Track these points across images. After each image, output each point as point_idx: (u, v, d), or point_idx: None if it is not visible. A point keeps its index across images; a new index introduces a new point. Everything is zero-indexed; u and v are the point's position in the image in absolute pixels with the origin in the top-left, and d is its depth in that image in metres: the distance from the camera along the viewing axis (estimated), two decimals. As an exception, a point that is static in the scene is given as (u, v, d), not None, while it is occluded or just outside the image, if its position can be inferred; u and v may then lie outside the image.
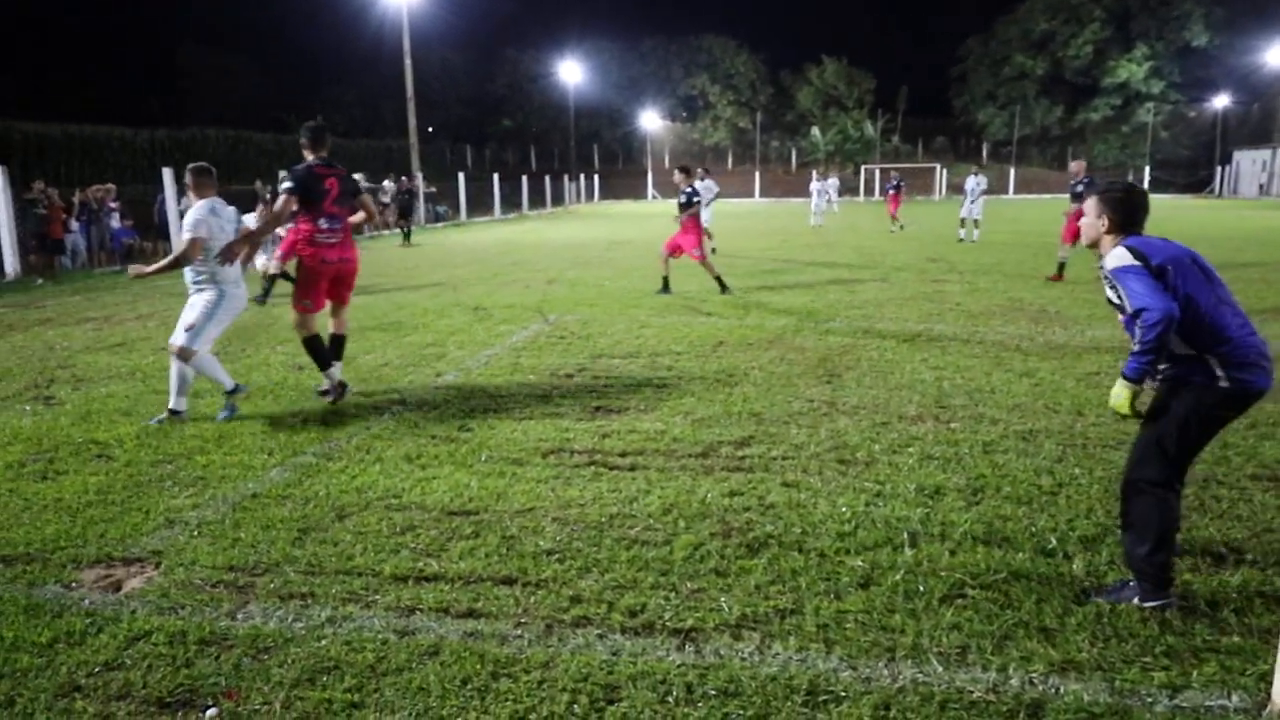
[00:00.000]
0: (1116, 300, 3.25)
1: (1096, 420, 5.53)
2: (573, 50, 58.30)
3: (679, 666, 2.92)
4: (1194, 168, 56.58)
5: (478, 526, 4.06)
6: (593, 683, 2.83)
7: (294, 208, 5.92)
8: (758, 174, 60.74)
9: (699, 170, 16.82)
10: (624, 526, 4.05)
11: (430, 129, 56.70)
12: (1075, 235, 12.54)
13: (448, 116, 61.42)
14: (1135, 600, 3.22)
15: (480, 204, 37.42)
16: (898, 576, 3.49)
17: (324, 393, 6.35)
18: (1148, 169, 55.60)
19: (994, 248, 18.44)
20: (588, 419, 5.81)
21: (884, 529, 3.95)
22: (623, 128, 69.57)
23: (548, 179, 44.82)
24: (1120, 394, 3.16)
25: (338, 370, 6.33)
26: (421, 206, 32.21)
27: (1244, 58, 54.89)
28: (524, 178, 42.51)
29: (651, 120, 67.93)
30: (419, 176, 32.53)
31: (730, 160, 69.32)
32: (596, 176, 54.46)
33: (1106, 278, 3.25)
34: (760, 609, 3.27)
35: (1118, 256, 3.20)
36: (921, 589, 3.40)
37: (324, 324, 6.33)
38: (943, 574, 3.51)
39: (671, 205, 12.84)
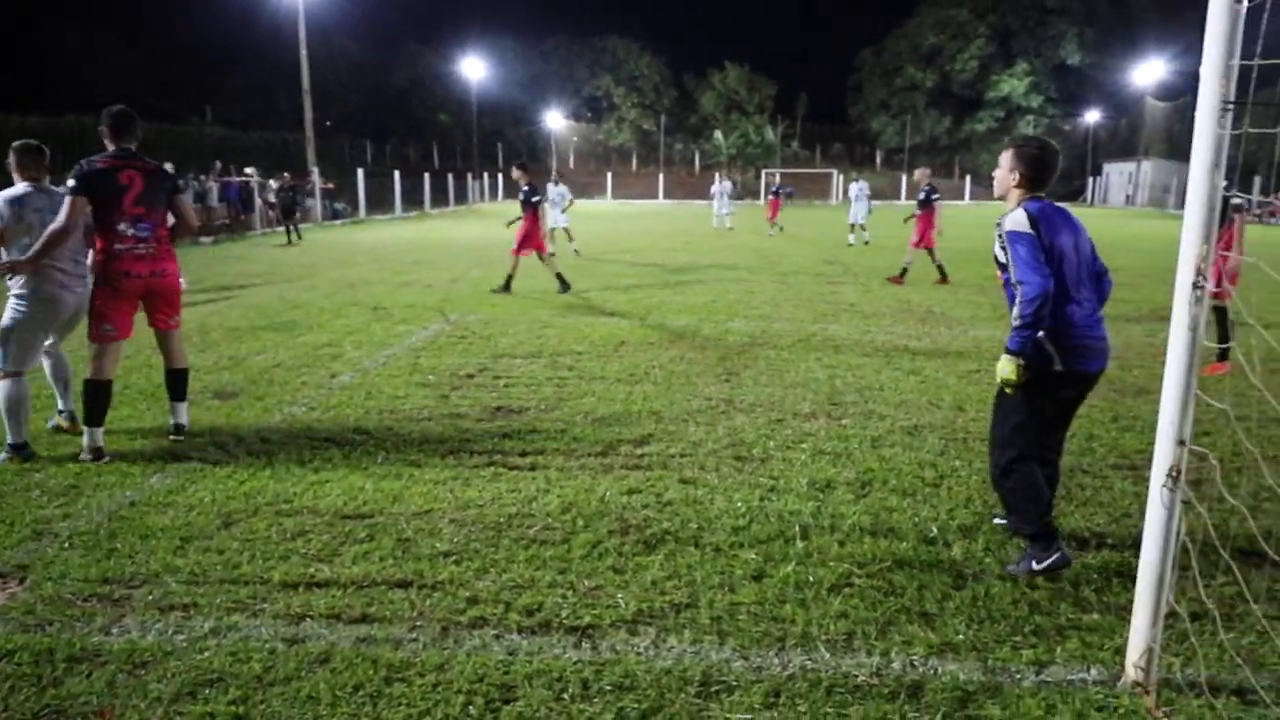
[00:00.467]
0: (1002, 260, 3.48)
1: (976, 415, 5.83)
2: (475, 46, 57.52)
3: (575, 664, 2.93)
4: (1069, 178, 60.02)
5: (372, 530, 3.98)
6: (489, 683, 2.82)
7: (87, 210, 4.82)
8: (661, 176, 61.30)
9: (554, 174, 17.48)
10: (523, 526, 4.04)
11: (329, 123, 54.91)
12: (923, 240, 13.17)
13: (347, 110, 59.57)
14: (1033, 564, 3.48)
15: (381, 201, 36.49)
16: (789, 568, 3.60)
17: (58, 429, 5.39)
18: (1028, 178, 58.66)
19: (887, 251, 19.13)
20: (488, 419, 5.76)
21: (777, 523, 4.07)
22: (526, 126, 69.08)
23: (451, 177, 44.07)
24: (1006, 367, 3.41)
25: (99, 435, 4.96)
26: (318, 203, 31.20)
27: (1112, 76, 58.71)
28: (426, 175, 41.64)
29: (556, 120, 67.69)
30: (315, 172, 31.50)
31: (634, 161, 69.74)
32: (500, 175, 53.85)
33: (1000, 236, 3.47)
34: (656, 604, 3.33)
35: (1016, 220, 3.43)
36: (811, 579, 3.51)
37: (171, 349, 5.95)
38: (832, 564, 3.64)
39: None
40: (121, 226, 4.93)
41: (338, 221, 31.56)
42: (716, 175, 38.01)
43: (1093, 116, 61.25)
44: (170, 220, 5.26)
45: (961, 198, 57.24)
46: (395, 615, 3.24)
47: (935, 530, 3.97)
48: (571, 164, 66.49)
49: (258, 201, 27.47)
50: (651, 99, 71.44)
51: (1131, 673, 2.83)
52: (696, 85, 71.11)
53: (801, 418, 5.78)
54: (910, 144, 65.48)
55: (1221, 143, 2.46)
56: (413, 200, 39.22)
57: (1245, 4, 2.41)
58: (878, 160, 67.12)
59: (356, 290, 12.33)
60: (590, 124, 72.03)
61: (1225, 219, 11.79)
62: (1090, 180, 58.48)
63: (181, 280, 5.36)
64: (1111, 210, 48.98)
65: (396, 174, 37.87)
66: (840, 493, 4.44)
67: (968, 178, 61.12)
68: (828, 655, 2.99)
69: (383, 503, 4.30)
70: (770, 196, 27.11)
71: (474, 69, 55.48)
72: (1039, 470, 3.56)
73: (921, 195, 13.28)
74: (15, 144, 5.10)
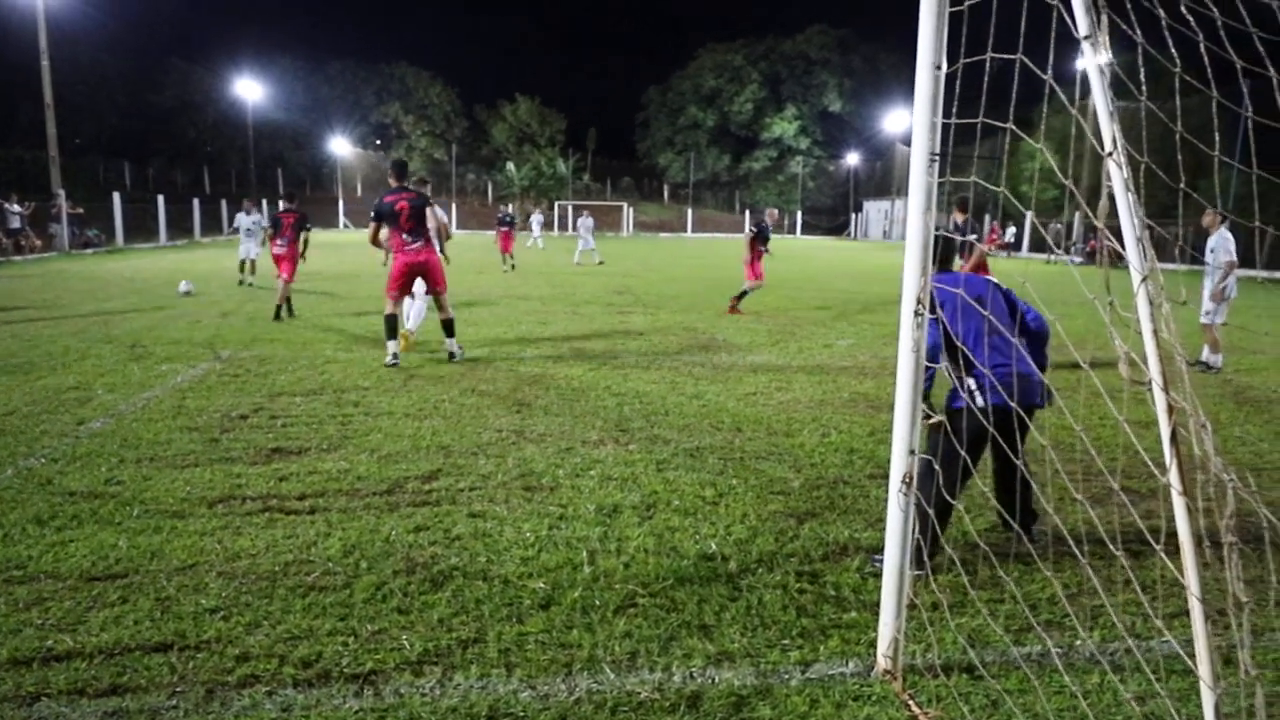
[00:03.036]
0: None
1: (752, 435, 6.22)
2: (250, 66, 54.15)
3: (356, 712, 2.83)
4: (835, 213, 65.67)
5: (126, 591, 3.63)
6: (259, 743, 2.66)
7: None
8: (454, 206, 60.49)
9: (245, 204, 18.19)
10: (300, 574, 3.84)
11: (78, 140, 49.50)
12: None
13: (101, 128, 53.97)
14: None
15: (142, 229, 33.34)
16: (576, 594, 3.66)
17: None
18: (799, 213, 63.72)
19: (675, 281, 19.99)
20: (263, 462, 5.43)
21: (565, 550, 4.13)
22: (309, 152, 65.87)
23: (224, 203, 41.08)
24: None
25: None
26: (64, 229, 28.01)
27: (869, 123, 64.99)
28: (196, 200, 38.56)
29: (342, 146, 65.07)
30: (60, 195, 28.28)
31: (426, 191, 68.28)
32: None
33: None
34: (443, 642, 3.27)
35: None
36: (598, 603, 3.60)
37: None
38: (618, 586, 3.75)
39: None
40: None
41: (89, 250, 28.49)
42: (570, 210, 38.38)
43: (853, 158, 67.37)
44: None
45: (742, 230, 60.88)
46: (152, 683, 2.97)
47: (714, 546, 4.20)
48: (359, 192, 64.07)
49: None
50: (442, 128, 70.50)
51: (882, 662, 3.13)
52: (488, 116, 71.05)
53: (590, 445, 5.90)
54: (695, 179, 68.85)
55: (931, 189, 2.83)
56: (181, 228, 36.17)
57: (944, 70, 2.80)
58: (665, 194, 70.02)
59: (111, 326, 11.18)
60: (379, 151, 69.89)
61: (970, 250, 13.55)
62: (854, 216, 64.18)
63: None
64: (872, 243, 54.03)
65: (160, 199, 34.78)
66: (626, 516, 4.58)
67: (747, 212, 65.17)
68: (613, 676, 3.08)
69: (139, 560, 3.93)
70: (499, 228, 23.61)
71: (250, 90, 52.21)
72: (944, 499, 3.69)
73: (754, 231, 14.33)
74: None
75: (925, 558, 3.66)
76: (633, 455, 5.68)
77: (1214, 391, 8.34)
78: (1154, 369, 1.80)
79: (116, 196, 31.89)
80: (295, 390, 7.47)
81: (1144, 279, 1.85)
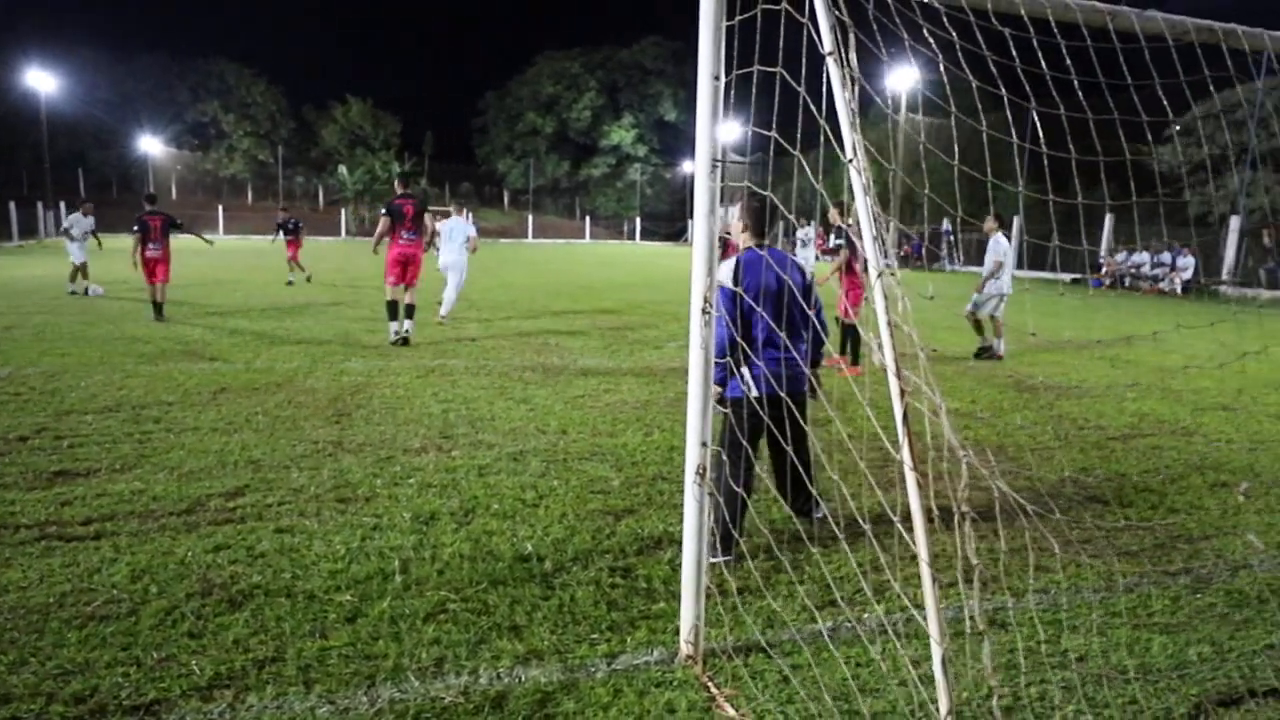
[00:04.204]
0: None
1: (577, 437, 6.29)
2: (41, 54, 49.22)
3: (133, 745, 2.65)
4: (673, 220, 67.19)
5: None
6: (15, 789, 2.44)
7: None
8: (281, 211, 57.44)
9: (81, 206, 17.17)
10: (79, 604, 3.55)
11: None
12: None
13: None
14: (710, 557, 3.88)
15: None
16: (385, 604, 3.58)
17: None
18: (638, 220, 64.87)
19: (511, 288, 19.88)
20: (42, 487, 4.96)
21: (378, 560, 4.03)
22: (116, 150, 60.65)
23: (13, 206, 37.15)
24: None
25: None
26: None
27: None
28: (13, 203, 34.65)
29: (153, 145, 60.32)
30: None
31: (250, 194, 64.58)
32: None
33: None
34: (237, 663, 3.12)
35: (724, 270, 3.88)
36: (408, 612, 3.54)
37: None
38: (429, 594, 3.70)
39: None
40: None
41: None
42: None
43: (689, 166, 69.28)
44: None
45: (582, 236, 61.34)
46: (-113, 735, 2.66)
47: (530, 548, 4.22)
48: (174, 195, 59.64)
49: None
50: (267, 129, 66.72)
51: (684, 648, 3.25)
52: (317, 118, 67.85)
53: (411, 453, 5.78)
54: (534, 185, 68.68)
55: (714, 193, 2.98)
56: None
57: (723, 80, 2.95)
58: (505, 200, 69.41)
59: None
60: (196, 152, 65.33)
61: (854, 253, 14.19)
62: (690, 223, 66.04)
63: None
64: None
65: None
66: (444, 522, 4.52)
67: (587, 218, 65.72)
68: (418, 683, 3.03)
69: (-121, 601, 3.51)
70: (283, 235, 20.47)
71: (42, 82, 47.42)
72: (735, 485, 3.84)
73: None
74: None
75: (718, 544, 3.87)
76: (455, 461, 5.60)
77: (999, 381, 9.18)
78: (888, 356, 1.98)
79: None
80: (87, 408, 6.87)
81: (880, 275, 2.03)
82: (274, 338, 10.88)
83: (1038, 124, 3.32)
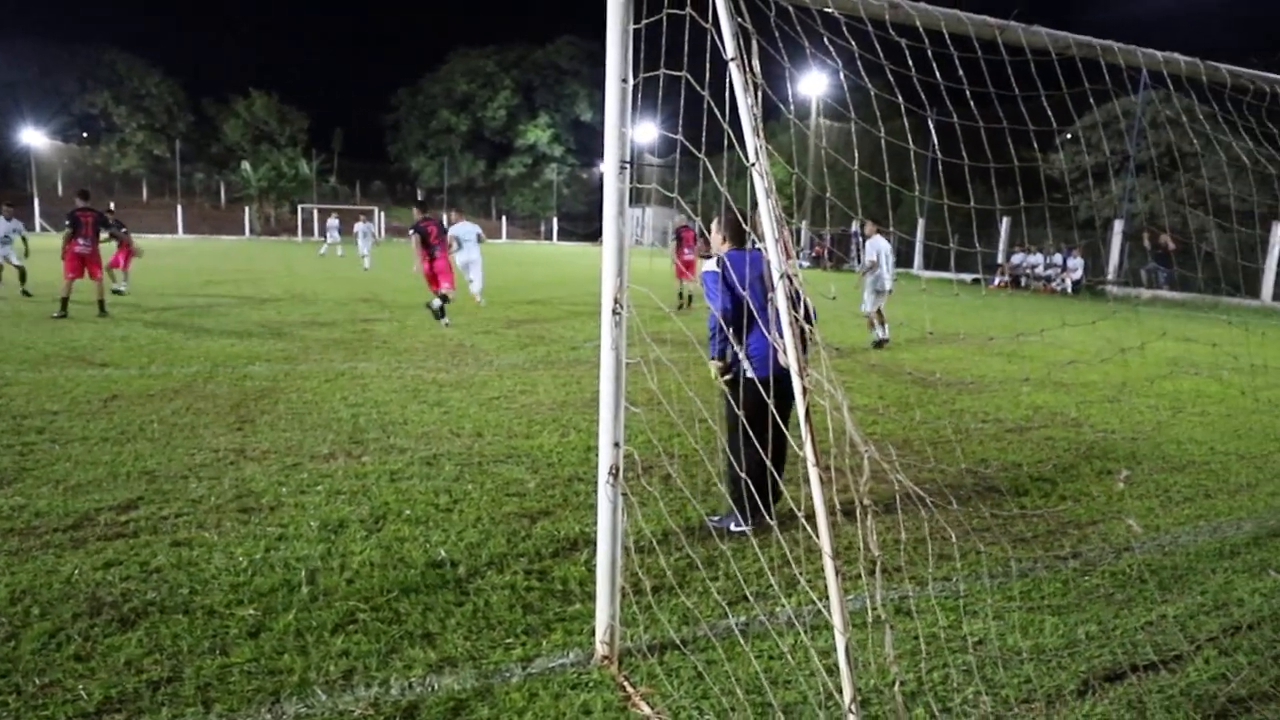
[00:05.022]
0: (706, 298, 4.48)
1: (492, 440, 6.22)
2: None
3: (14, 776, 2.50)
4: (590, 220, 67.08)
5: None
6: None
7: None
8: (180, 208, 55.05)
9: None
10: (-48, 629, 3.32)
11: None
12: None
13: None
14: (731, 526, 4.37)
15: None
16: (291, 617, 3.47)
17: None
18: (555, 220, 64.58)
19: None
20: (-90, 505, 4.63)
21: (283, 571, 3.90)
22: (-9, 142, 57.00)
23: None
24: (711, 368, 4.49)
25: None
26: None
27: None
28: None
29: (36, 138, 56.90)
30: None
31: (145, 191, 61.65)
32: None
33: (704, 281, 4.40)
34: (130, 686, 2.97)
35: (708, 265, 4.37)
36: (314, 624, 3.43)
37: None
38: (337, 604, 3.60)
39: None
40: None
41: None
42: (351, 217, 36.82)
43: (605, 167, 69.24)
44: None
45: (499, 236, 60.72)
46: None
47: (444, 553, 4.15)
48: (60, 191, 56.44)
49: None
50: (164, 122, 63.74)
51: (600, 649, 3.25)
52: (218, 112, 65.18)
53: (319, 459, 5.62)
54: (449, 184, 67.62)
55: (623, 194, 2.99)
56: None
57: (631, 83, 2.96)
58: (419, 198, 68.07)
59: None
60: (84, 146, 61.95)
61: (680, 243, 14.98)
62: (608, 223, 66.07)
63: None
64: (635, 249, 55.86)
65: None
66: (353, 530, 4.40)
67: (504, 218, 65.11)
68: (325, 697, 2.95)
69: None
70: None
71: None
72: (748, 456, 4.24)
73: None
74: None
75: (742, 515, 4.24)
76: (365, 467, 5.47)
77: (903, 378, 9.50)
78: (791, 356, 2.02)
79: None
80: (-39, 419, 6.44)
81: (782, 275, 2.08)
82: (171, 342, 10.41)
83: (933, 131, 3.46)
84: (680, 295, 16.06)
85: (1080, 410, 8.06)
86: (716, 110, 2.37)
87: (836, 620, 1.95)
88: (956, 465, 6.03)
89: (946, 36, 3.31)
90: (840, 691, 1.96)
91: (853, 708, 1.91)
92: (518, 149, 68.64)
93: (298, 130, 65.08)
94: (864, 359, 10.90)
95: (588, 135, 69.57)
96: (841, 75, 2.97)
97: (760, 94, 2.38)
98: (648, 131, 60.86)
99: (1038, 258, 28.49)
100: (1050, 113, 3.48)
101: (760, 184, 2.14)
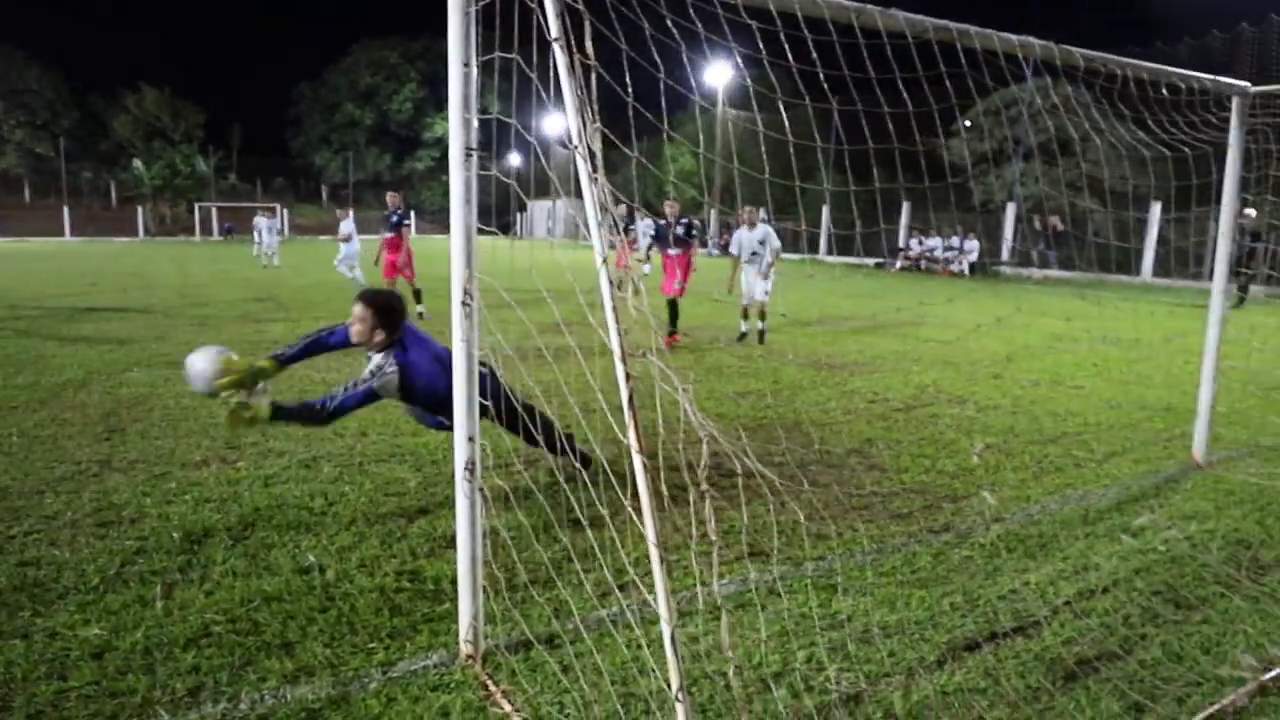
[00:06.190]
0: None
1: (377, 439, 6.06)
2: None
3: None
4: (502, 214, 66.51)
5: None
6: None
7: None
8: (66, 209, 52.09)
9: None
10: None
11: None
12: (394, 267, 13.66)
13: None
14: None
15: None
16: (139, 634, 3.30)
17: None
18: (469, 214, 63.68)
19: (326, 286, 18.94)
20: None
21: (137, 587, 3.70)
22: None
23: None
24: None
25: None
26: None
27: (528, 125, 66.55)
28: None
29: (-101, 136, 53.06)
30: None
31: (28, 192, 58.20)
32: None
33: None
34: (-51, 718, 2.77)
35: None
36: (165, 640, 3.27)
37: None
38: (192, 618, 3.43)
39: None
40: None
41: None
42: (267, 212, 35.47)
43: (515, 160, 68.75)
44: None
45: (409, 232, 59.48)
46: None
47: (312, 558, 4.01)
48: (-70, 193, 52.78)
49: None
50: (46, 119, 60.22)
51: (464, 648, 3.19)
52: (106, 108, 61.89)
53: (190, 467, 5.37)
54: (354, 179, 65.86)
55: (470, 182, 2.92)
56: None
57: (473, 67, 2.89)
58: (324, 195, 66.16)
59: None
60: (-44, 143, 58.11)
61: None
62: (518, 216, 65.52)
63: None
64: (537, 241, 55.48)
65: None
66: (218, 539, 4.21)
67: (413, 213, 63.69)
68: (168, 717, 2.81)
69: None
70: None
71: None
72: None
73: (394, 219, 13.74)
74: None
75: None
76: (239, 473, 5.25)
77: (800, 362, 9.66)
78: (614, 342, 1.99)
79: None
80: None
81: (604, 261, 2.04)
82: (44, 350, 9.82)
83: (837, 119, 3.51)
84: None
85: (966, 387, 8.34)
86: (544, 93, 2.32)
87: (662, 610, 1.93)
88: (844, 445, 6.16)
89: (801, 20, 3.35)
90: (669, 684, 1.95)
91: (679, 695, 1.90)
92: (425, 142, 67.29)
93: (193, 126, 62.28)
94: (762, 347, 11.04)
95: (497, 127, 68.68)
96: (737, 59, 2.98)
97: (594, 75, 2.34)
98: (557, 123, 60.69)
99: (936, 240, 29.44)
100: (944, 102, 3.59)
101: (584, 168, 2.11)
